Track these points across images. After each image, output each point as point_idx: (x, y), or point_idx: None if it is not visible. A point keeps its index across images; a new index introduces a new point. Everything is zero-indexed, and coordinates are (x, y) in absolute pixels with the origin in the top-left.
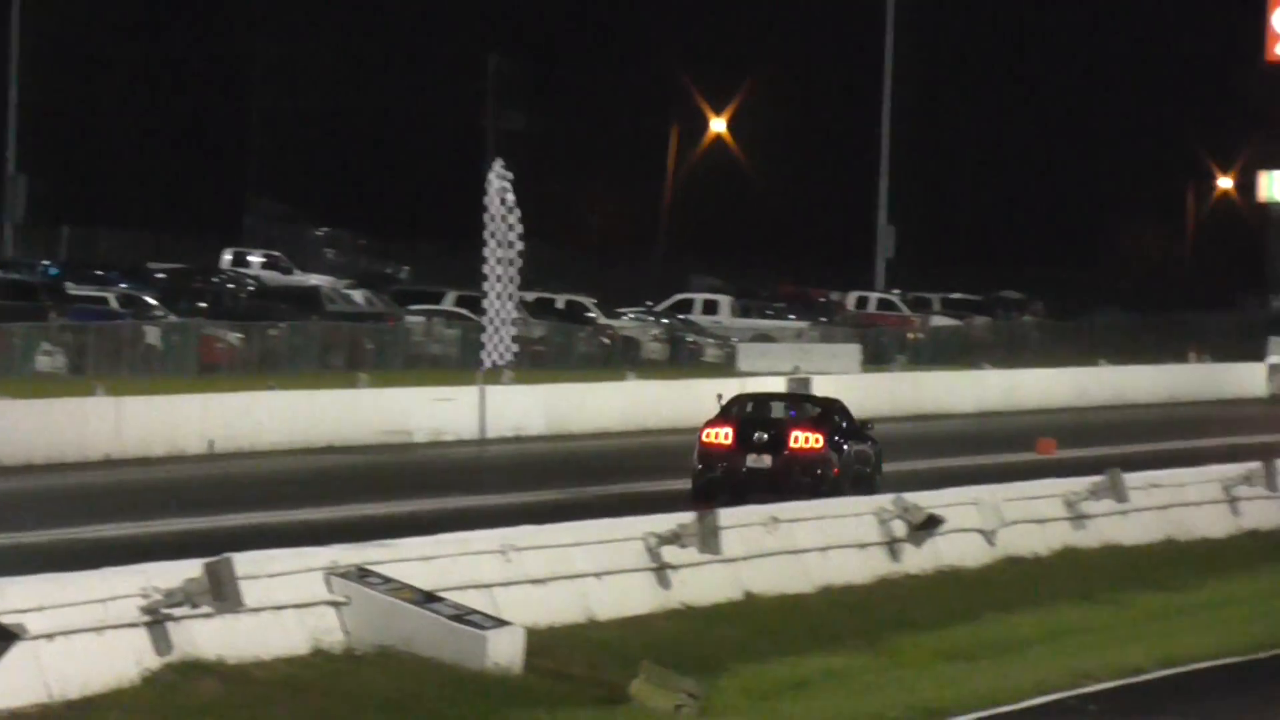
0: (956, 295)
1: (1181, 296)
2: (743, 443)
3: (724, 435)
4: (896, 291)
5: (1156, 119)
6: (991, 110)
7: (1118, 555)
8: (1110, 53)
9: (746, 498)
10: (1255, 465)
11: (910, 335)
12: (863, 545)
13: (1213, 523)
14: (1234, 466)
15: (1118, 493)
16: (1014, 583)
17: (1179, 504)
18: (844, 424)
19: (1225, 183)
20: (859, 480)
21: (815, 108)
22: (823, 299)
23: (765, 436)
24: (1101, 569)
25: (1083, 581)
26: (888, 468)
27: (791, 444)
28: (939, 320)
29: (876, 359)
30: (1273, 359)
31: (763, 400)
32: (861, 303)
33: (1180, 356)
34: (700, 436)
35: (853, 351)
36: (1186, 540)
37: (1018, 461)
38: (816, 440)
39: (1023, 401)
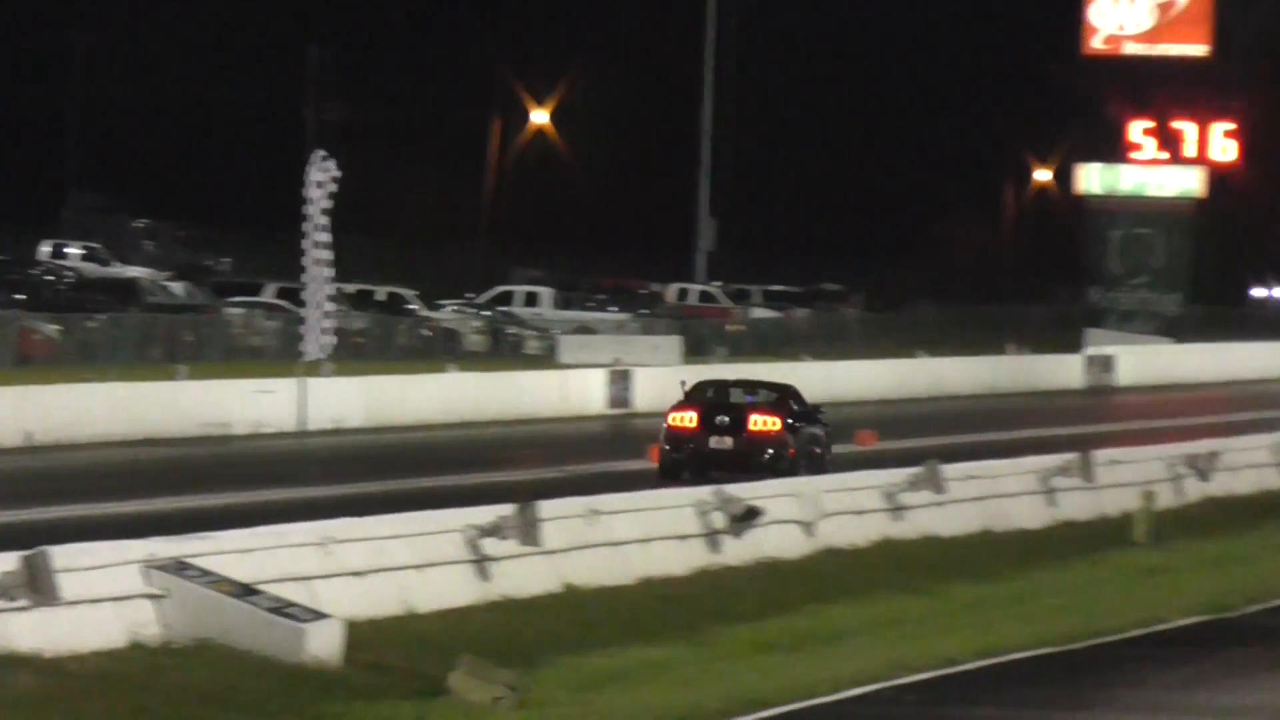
0: (777, 287)
1: (1000, 289)
2: (706, 425)
3: (689, 418)
4: (717, 284)
5: (975, 112)
6: (812, 103)
7: (936, 546)
8: (930, 47)
9: (708, 476)
10: (1072, 456)
11: (730, 327)
12: (683, 537)
13: (1029, 514)
14: (1050, 458)
15: (935, 484)
16: (833, 574)
17: (996, 495)
18: (798, 408)
19: (1043, 176)
20: (812, 459)
21: (637, 100)
22: (644, 291)
23: (727, 420)
24: (919, 560)
25: (901, 572)
26: None
27: (751, 426)
28: (759, 312)
29: (697, 351)
30: (1089, 351)
31: (723, 386)
32: (682, 295)
33: (998, 348)
34: (666, 420)
35: (673, 343)
36: (1003, 531)
37: (837, 453)
38: (774, 423)
39: (842, 393)
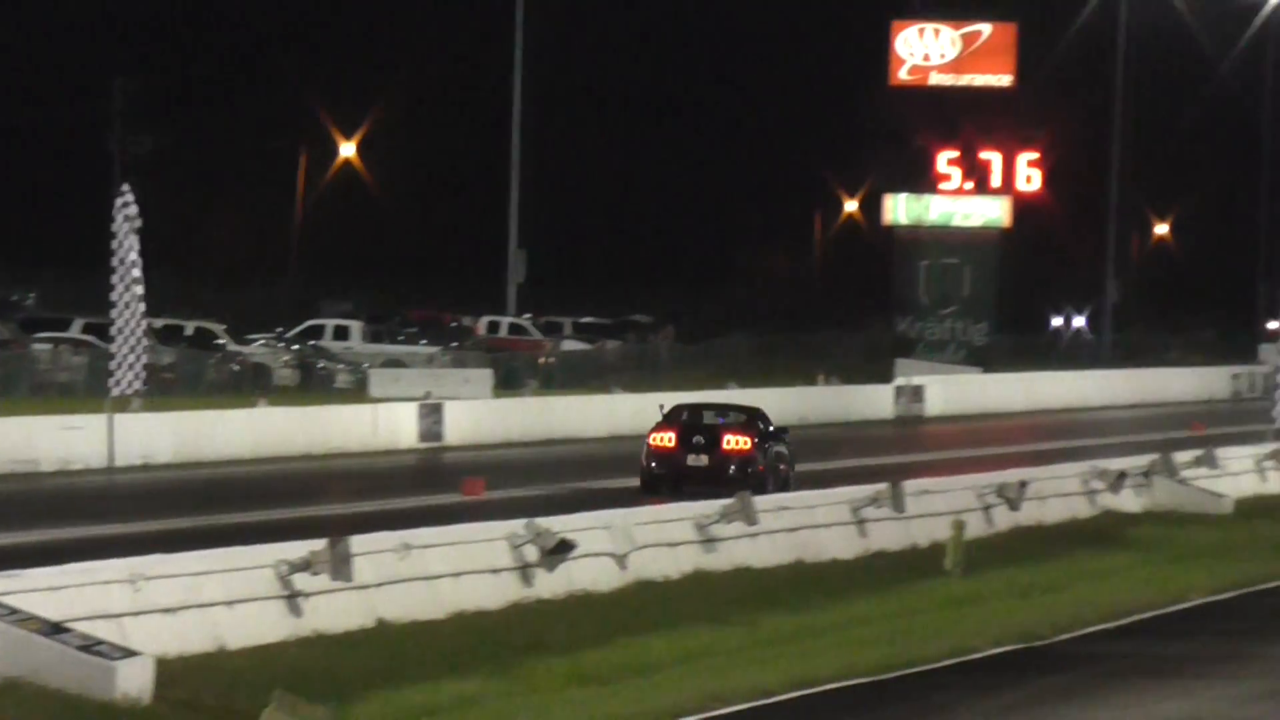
0: (587, 319)
1: (811, 319)
2: (684, 444)
3: (668, 439)
4: (528, 316)
5: (784, 142)
6: (623, 133)
7: (748, 577)
8: (739, 77)
9: (684, 491)
10: (883, 487)
11: (542, 359)
12: (495, 570)
13: (841, 544)
14: (862, 488)
15: (748, 515)
16: (646, 606)
17: (808, 526)
18: (765, 428)
19: (852, 206)
20: (778, 475)
21: (446, 132)
22: (454, 324)
23: (702, 439)
24: (732, 591)
25: (714, 604)
26: (532, 490)
27: (725, 445)
28: (570, 344)
29: (508, 383)
30: (899, 381)
31: (697, 409)
32: (493, 327)
33: (809, 378)
34: (647, 440)
35: (484, 376)
36: (816, 562)
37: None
38: (745, 442)
39: (651, 424)
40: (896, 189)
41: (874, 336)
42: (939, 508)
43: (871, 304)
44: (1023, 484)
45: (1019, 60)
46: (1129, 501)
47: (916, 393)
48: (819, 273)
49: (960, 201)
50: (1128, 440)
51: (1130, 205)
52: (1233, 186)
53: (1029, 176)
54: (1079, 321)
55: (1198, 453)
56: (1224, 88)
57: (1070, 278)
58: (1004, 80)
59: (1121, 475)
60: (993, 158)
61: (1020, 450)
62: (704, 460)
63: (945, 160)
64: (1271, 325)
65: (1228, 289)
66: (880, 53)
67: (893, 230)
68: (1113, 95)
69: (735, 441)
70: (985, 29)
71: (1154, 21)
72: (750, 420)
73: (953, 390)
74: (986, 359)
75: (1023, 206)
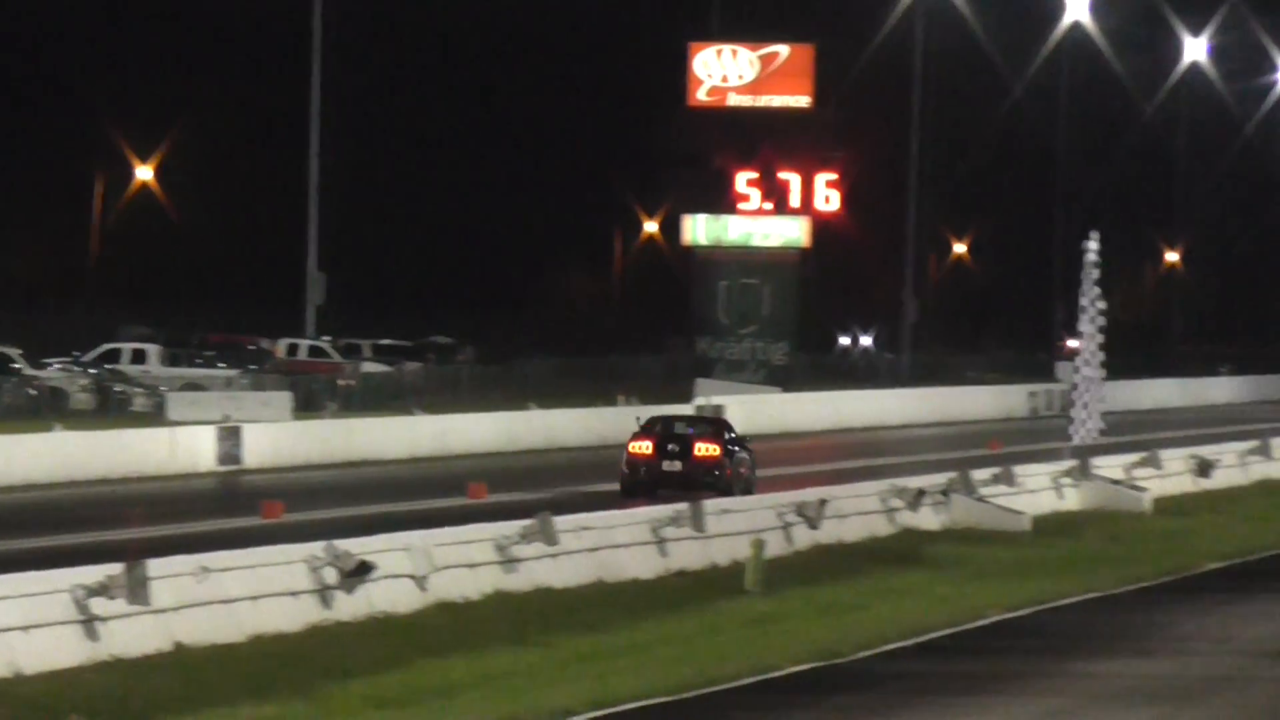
0: (387, 341)
1: (611, 339)
2: (660, 452)
3: (646, 447)
4: (328, 338)
5: (584, 163)
6: (422, 155)
7: (549, 597)
8: (538, 98)
9: (657, 494)
10: (683, 506)
11: (342, 382)
12: (295, 593)
13: (642, 564)
14: (662, 508)
15: (548, 536)
16: (446, 627)
17: (609, 546)
18: (730, 437)
19: (651, 226)
20: (741, 479)
21: (242, 155)
22: (253, 347)
23: (677, 447)
24: (533, 611)
25: (515, 624)
26: (332, 513)
27: (696, 452)
28: (370, 366)
29: (308, 406)
30: (699, 400)
31: (670, 420)
32: (292, 350)
33: (609, 399)
34: (627, 448)
35: (284, 399)
36: (616, 581)
37: (450, 506)
38: (714, 449)
39: (455, 446)
40: (695, 209)
41: (674, 357)
42: (739, 527)
43: (672, 324)
44: (822, 502)
45: (817, 81)
46: (928, 519)
47: (717, 412)
48: (619, 293)
49: (759, 222)
50: (927, 458)
51: (928, 225)
52: (1029, 206)
53: (827, 197)
54: (866, 340)
55: (996, 470)
56: (1020, 109)
57: (869, 297)
58: (802, 101)
59: (920, 493)
60: (791, 178)
61: (820, 469)
62: (678, 466)
63: (744, 181)
64: (1072, 343)
65: (1025, 308)
66: (679, 74)
67: (692, 251)
68: (910, 116)
69: (705, 449)
70: (783, 50)
71: (951, 43)
72: (717, 430)
73: (752, 410)
74: (786, 378)
75: (821, 227)
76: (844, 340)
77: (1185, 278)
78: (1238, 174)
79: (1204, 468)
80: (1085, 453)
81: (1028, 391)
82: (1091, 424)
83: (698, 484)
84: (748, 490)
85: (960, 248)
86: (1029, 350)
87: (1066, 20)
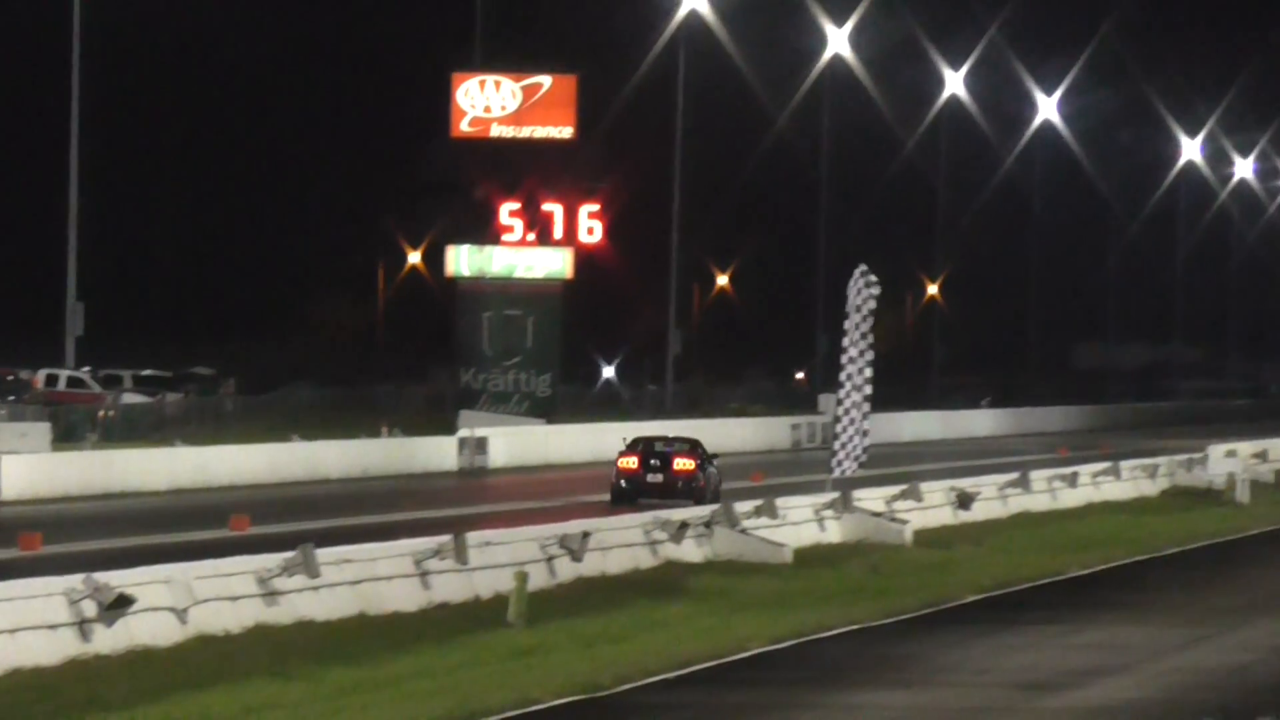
0: (148, 372)
1: (375, 371)
2: (644, 466)
3: (633, 461)
4: (87, 369)
5: (347, 194)
6: (184, 185)
7: (311, 630)
8: (303, 128)
9: (642, 502)
10: (446, 539)
11: (101, 412)
12: (52, 626)
13: (405, 596)
14: (425, 540)
15: (310, 568)
16: (207, 661)
17: (371, 578)
18: (703, 454)
19: (415, 257)
20: (712, 489)
21: (1, 181)
22: (11, 377)
23: (659, 462)
24: (295, 644)
25: (276, 657)
26: (91, 545)
27: (676, 466)
28: (131, 397)
29: (68, 437)
30: (463, 432)
31: (651, 439)
32: (51, 380)
33: (374, 431)
34: (617, 463)
35: (42, 430)
36: (379, 614)
37: (212, 538)
38: (691, 464)
39: (217, 478)
40: (459, 240)
41: (438, 388)
42: (502, 559)
43: (436, 356)
44: (585, 535)
45: (580, 112)
46: (691, 551)
47: (480, 444)
48: (383, 325)
49: (523, 253)
50: None
51: (692, 256)
52: (791, 238)
53: (591, 228)
54: (608, 372)
55: (758, 503)
56: (782, 140)
57: (633, 329)
58: (565, 132)
59: (683, 525)
60: (555, 209)
61: (584, 501)
62: (660, 478)
63: (507, 212)
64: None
65: (788, 339)
66: (442, 104)
67: (455, 282)
68: (673, 146)
69: (683, 464)
70: (546, 81)
71: (714, 74)
72: (692, 448)
73: (516, 441)
74: (550, 410)
75: (585, 258)
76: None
77: (945, 310)
78: (996, 207)
79: (964, 500)
80: (847, 485)
81: (790, 424)
82: (851, 457)
83: (676, 493)
84: (715, 499)
85: (723, 279)
86: (792, 382)
87: (828, 53)
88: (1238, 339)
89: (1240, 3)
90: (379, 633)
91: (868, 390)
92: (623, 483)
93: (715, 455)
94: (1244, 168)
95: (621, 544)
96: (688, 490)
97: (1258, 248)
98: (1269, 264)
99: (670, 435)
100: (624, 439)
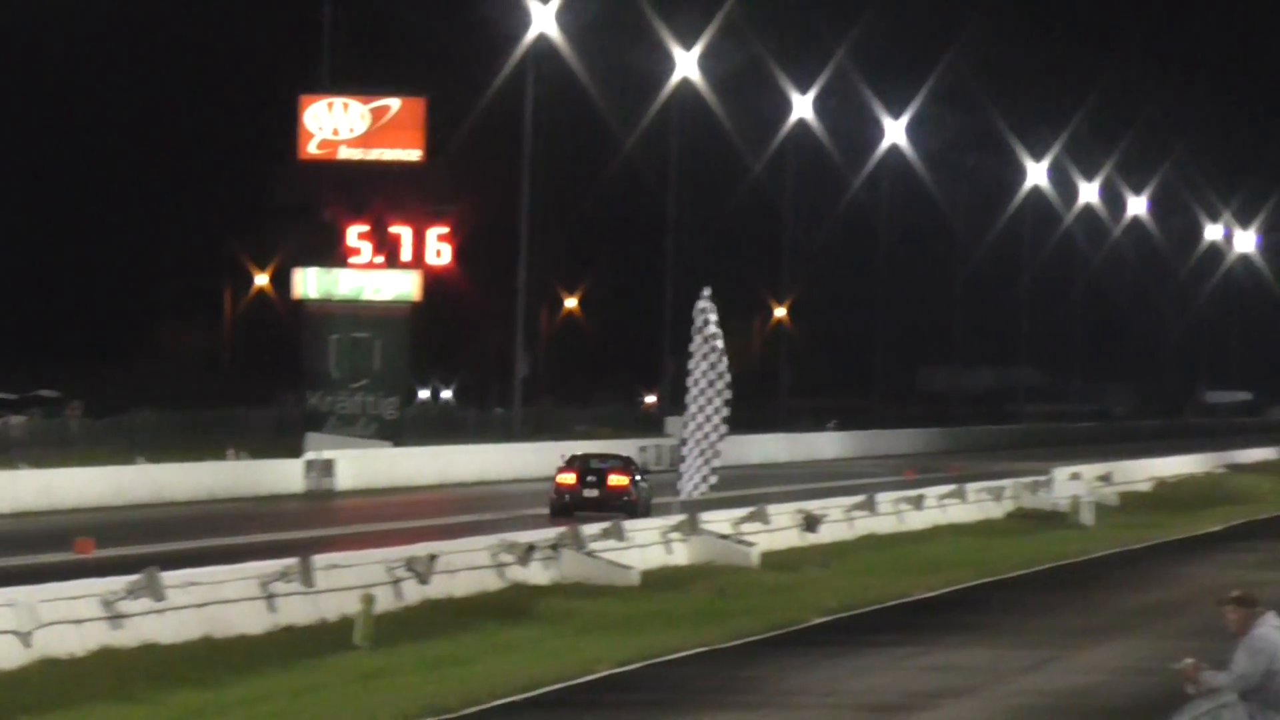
0: None
1: (221, 393)
2: (581, 481)
3: (570, 477)
4: None
5: (194, 216)
6: (26, 204)
7: (156, 654)
8: (148, 148)
9: (574, 515)
10: (292, 561)
11: None
12: None
13: (251, 619)
14: (271, 563)
15: (155, 591)
16: (50, 685)
17: (217, 601)
18: (635, 470)
19: (262, 279)
20: (643, 503)
21: None
22: None
23: (594, 478)
24: (140, 668)
25: (121, 681)
26: None
27: (610, 482)
28: None
29: None
30: (310, 455)
31: (587, 457)
32: None
33: (219, 453)
34: (555, 478)
35: None
36: (225, 637)
37: (56, 561)
38: (624, 480)
39: (61, 500)
40: (306, 263)
41: (285, 410)
42: (349, 582)
43: (283, 378)
44: (432, 557)
45: (428, 134)
46: (538, 574)
47: (327, 467)
48: (230, 347)
49: (371, 275)
50: (537, 513)
51: (540, 278)
52: (639, 261)
53: (439, 251)
54: (446, 394)
55: (605, 525)
56: (630, 163)
57: (481, 351)
58: (413, 155)
59: (530, 548)
60: (403, 232)
61: (431, 523)
62: (596, 493)
63: (355, 234)
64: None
65: (636, 362)
66: (290, 126)
67: (303, 304)
68: (521, 169)
69: (616, 479)
70: (394, 104)
71: (563, 96)
72: (625, 464)
73: (364, 464)
74: (397, 432)
75: (433, 281)
76: (423, 393)
77: (793, 333)
78: (844, 230)
79: (811, 522)
80: (694, 507)
81: (638, 446)
82: (699, 479)
83: (610, 507)
84: (646, 512)
85: (571, 302)
86: (641, 405)
87: (676, 76)
88: (1081, 363)
89: (1083, 28)
90: (225, 656)
91: (726, 412)
92: (565, 497)
93: (648, 471)
94: (1089, 192)
95: (468, 566)
96: (621, 504)
97: (1101, 272)
98: (1112, 288)
99: (605, 453)
100: (562, 456)
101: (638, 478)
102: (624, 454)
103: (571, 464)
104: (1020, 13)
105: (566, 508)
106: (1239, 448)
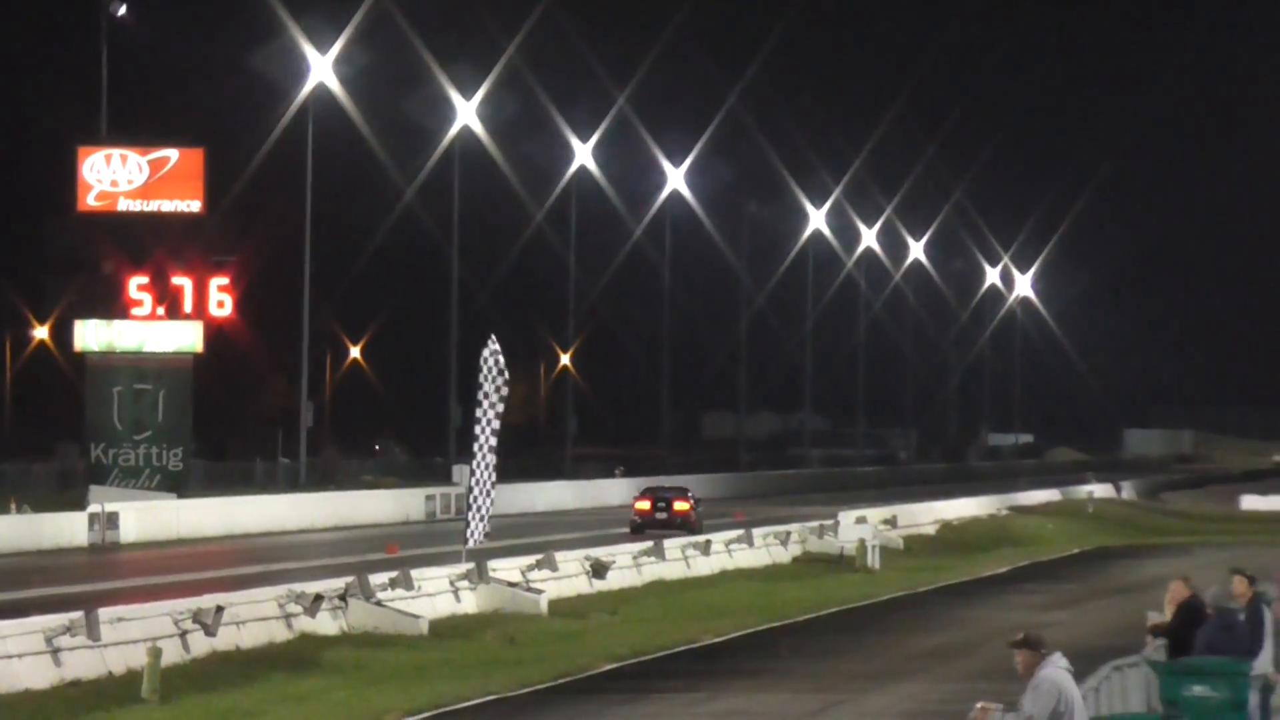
0: None
1: (2, 446)
2: (655, 506)
3: (646, 504)
4: None
5: None
6: None
7: None
8: None
9: (645, 534)
10: (77, 615)
11: None
12: None
13: (35, 674)
14: (55, 617)
15: None
16: None
17: (1, 656)
18: (694, 497)
19: (41, 332)
20: (700, 524)
21: None
22: None
23: (663, 504)
24: None
25: None
26: None
27: (675, 507)
28: None
29: None
30: (93, 508)
31: (658, 489)
32: None
33: (2, 508)
34: (634, 504)
35: None
36: (9, 693)
37: None
38: (687, 505)
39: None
40: (87, 315)
41: (68, 463)
42: (135, 635)
43: (65, 431)
44: (219, 609)
45: (208, 184)
46: (326, 624)
47: (111, 519)
48: (9, 400)
49: (152, 327)
50: (325, 563)
51: (324, 328)
52: (424, 308)
53: (220, 301)
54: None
55: (393, 574)
56: (412, 212)
57: (266, 401)
58: (193, 206)
59: (318, 598)
60: (184, 283)
61: (218, 575)
62: (665, 515)
63: (136, 286)
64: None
65: (421, 411)
66: (68, 177)
67: (84, 356)
68: (303, 219)
69: (680, 505)
70: (173, 155)
71: (344, 146)
72: (685, 493)
73: (148, 516)
74: (182, 484)
75: (215, 331)
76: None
77: (578, 380)
78: (628, 277)
79: (599, 569)
80: (482, 556)
81: (425, 494)
82: (483, 527)
83: (674, 526)
84: (699, 530)
85: (355, 351)
86: (427, 453)
87: (456, 125)
88: (864, 407)
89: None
90: (9, 712)
91: (494, 460)
92: (638, 519)
93: (700, 499)
94: (869, 237)
95: (256, 617)
96: (684, 525)
97: (883, 316)
98: (894, 332)
99: (672, 485)
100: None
101: (696, 504)
102: (684, 485)
103: (646, 494)
104: (799, 60)
105: (642, 527)
106: (1021, 490)
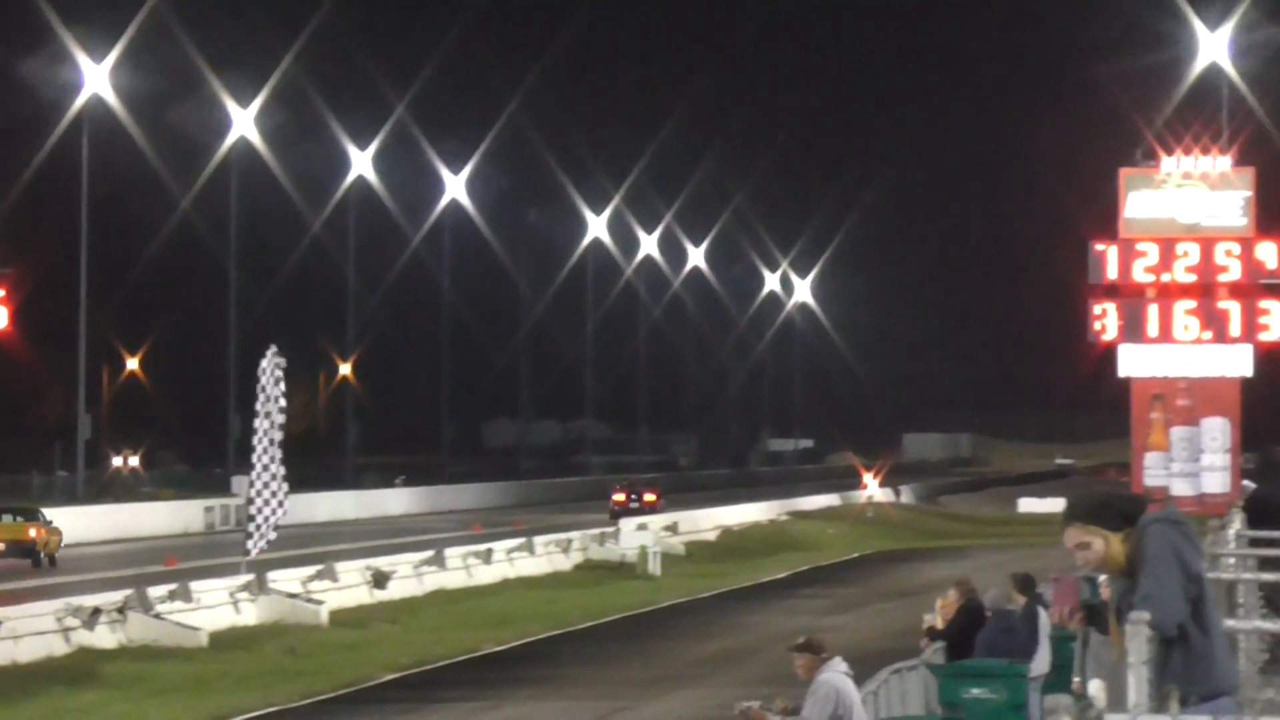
0: None
1: None
2: (628, 497)
3: (621, 496)
4: None
5: None
6: None
7: None
8: None
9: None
10: None
11: None
12: None
13: None
14: None
15: None
16: None
17: None
18: (660, 489)
19: None
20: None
21: None
22: None
23: (636, 494)
24: None
25: None
26: None
27: (645, 498)
28: None
29: None
30: None
31: (632, 482)
32: None
33: None
34: (612, 496)
35: None
36: None
37: None
38: (655, 496)
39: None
40: None
41: None
42: None
43: None
44: None
45: None
46: (105, 637)
47: None
48: None
49: None
50: (104, 576)
51: (101, 338)
52: (202, 318)
53: None
54: None
55: (173, 587)
56: (188, 221)
57: (43, 413)
58: None
59: (96, 611)
60: None
61: None
62: (637, 504)
63: None
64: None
65: (199, 422)
66: None
67: None
68: (78, 229)
69: (650, 496)
70: None
71: (120, 156)
72: (652, 484)
73: None
74: None
75: None
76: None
77: (358, 389)
78: (408, 286)
79: (380, 579)
80: (262, 567)
81: (204, 506)
82: (264, 538)
83: (647, 513)
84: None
85: (133, 362)
86: (206, 464)
87: (232, 135)
88: (646, 413)
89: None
90: None
91: (282, 470)
92: (616, 508)
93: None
94: (649, 244)
95: (33, 631)
96: (652, 510)
97: (663, 322)
98: (674, 338)
99: (644, 478)
100: (613, 485)
101: (660, 495)
102: (653, 479)
103: (622, 488)
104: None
105: (619, 514)
106: (802, 495)
